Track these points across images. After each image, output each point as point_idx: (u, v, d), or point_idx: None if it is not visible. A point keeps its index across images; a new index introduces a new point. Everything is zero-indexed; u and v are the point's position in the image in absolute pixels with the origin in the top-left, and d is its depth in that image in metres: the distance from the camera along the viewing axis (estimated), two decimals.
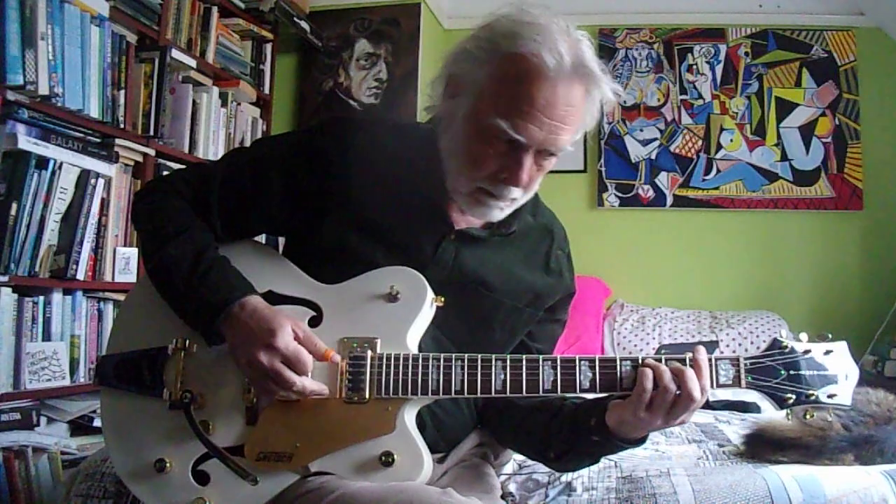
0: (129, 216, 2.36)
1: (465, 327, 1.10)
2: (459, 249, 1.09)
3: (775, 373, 0.96)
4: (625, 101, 3.25)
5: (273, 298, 1.03)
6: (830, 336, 0.98)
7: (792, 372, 0.96)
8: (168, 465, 0.98)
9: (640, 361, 0.95)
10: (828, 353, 0.96)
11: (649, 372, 0.93)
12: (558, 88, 0.94)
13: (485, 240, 1.11)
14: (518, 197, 1.04)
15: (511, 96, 0.95)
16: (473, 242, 1.10)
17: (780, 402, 0.96)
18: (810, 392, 0.95)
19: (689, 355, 0.96)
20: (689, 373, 0.93)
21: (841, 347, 0.97)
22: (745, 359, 0.97)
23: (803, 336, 0.98)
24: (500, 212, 1.06)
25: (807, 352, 0.96)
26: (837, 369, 0.96)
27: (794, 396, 0.95)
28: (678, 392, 0.92)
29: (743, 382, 0.96)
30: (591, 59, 0.97)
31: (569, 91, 0.95)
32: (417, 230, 1.08)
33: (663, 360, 0.95)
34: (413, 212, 1.08)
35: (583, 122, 1.01)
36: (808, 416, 0.97)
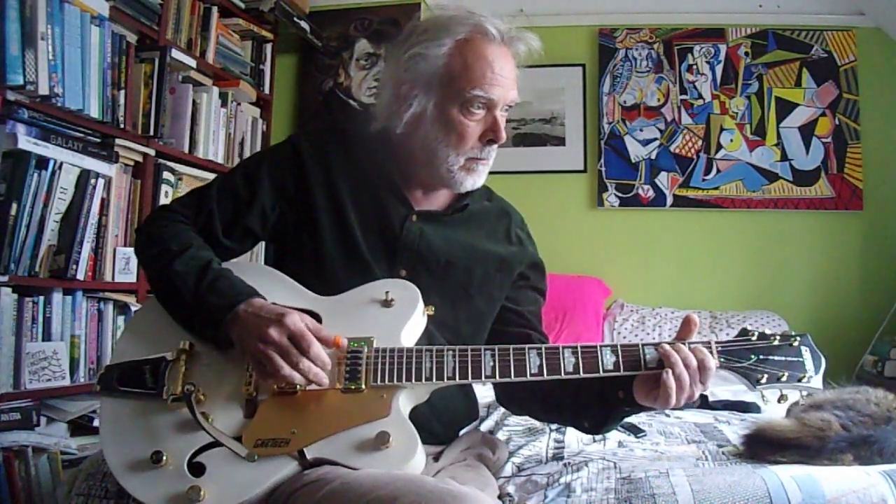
0: (129, 216, 2.37)
1: (447, 303, 1.20)
2: (423, 228, 1.21)
3: (746, 355, 1.06)
4: (625, 102, 3.25)
5: None
6: (794, 333, 1.09)
7: (762, 356, 1.06)
8: (164, 457, 0.99)
9: (618, 347, 1.04)
10: (793, 342, 1.07)
11: (669, 372, 1.01)
12: (503, 52, 1.17)
13: (444, 217, 1.24)
14: (493, 156, 1.22)
15: (476, 69, 1.14)
16: (434, 220, 1.23)
17: (754, 382, 1.04)
18: (781, 373, 1.04)
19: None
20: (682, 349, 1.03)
21: (806, 339, 1.08)
22: (717, 342, 1.06)
23: (768, 330, 1.09)
24: (484, 174, 1.23)
25: (773, 337, 1.07)
26: (804, 357, 1.06)
27: (765, 376, 1.05)
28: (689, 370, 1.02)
29: (716, 362, 1.04)
30: (507, 27, 1.18)
31: (506, 53, 1.18)
32: (386, 214, 1.21)
33: (641, 347, 1.04)
34: (380, 200, 1.22)
35: (517, 75, 1.20)
36: (781, 402, 1.06)
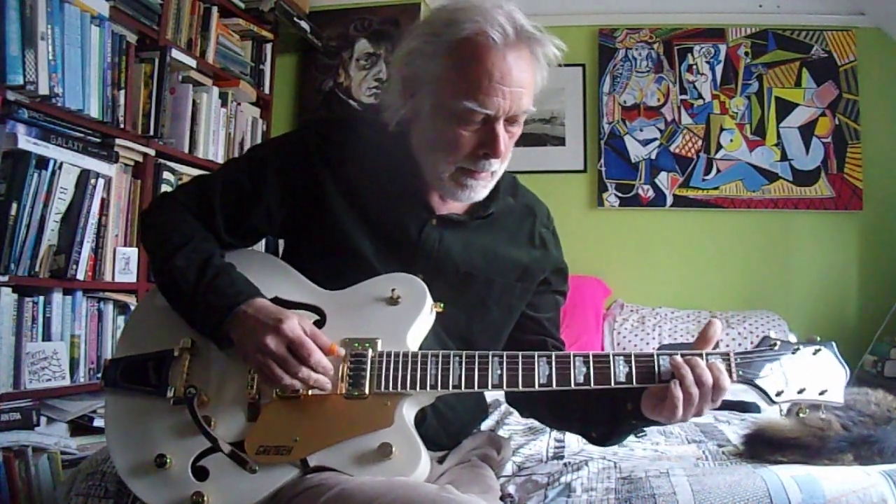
0: (129, 216, 2.37)
1: (462, 314, 1.14)
2: (443, 234, 1.13)
3: (764, 367, 0.99)
4: (625, 102, 3.25)
5: (279, 304, 1.06)
6: (819, 338, 1.01)
7: (782, 368, 0.99)
8: (168, 460, 0.99)
9: (632, 357, 0.99)
10: (817, 352, 1.00)
11: (677, 383, 0.96)
12: (508, 58, 1.01)
13: (466, 223, 1.16)
14: (496, 169, 1.09)
15: (470, 77, 1.01)
16: (455, 226, 1.15)
17: (772, 396, 0.99)
18: (801, 388, 0.98)
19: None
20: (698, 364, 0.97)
21: (830, 348, 1.00)
22: (736, 353, 1.00)
23: (792, 337, 1.02)
24: (482, 189, 1.11)
25: (796, 349, 1.00)
26: (827, 368, 0.99)
27: (784, 391, 0.98)
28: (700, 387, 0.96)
29: (734, 376, 0.99)
30: (528, 23, 1.04)
31: (518, 57, 1.03)
32: (401, 217, 1.13)
33: (656, 357, 0.98)
34: (396, 201, 1.13)
35: (536, 81, 1.07)
36: (800, 413, 1.02)
